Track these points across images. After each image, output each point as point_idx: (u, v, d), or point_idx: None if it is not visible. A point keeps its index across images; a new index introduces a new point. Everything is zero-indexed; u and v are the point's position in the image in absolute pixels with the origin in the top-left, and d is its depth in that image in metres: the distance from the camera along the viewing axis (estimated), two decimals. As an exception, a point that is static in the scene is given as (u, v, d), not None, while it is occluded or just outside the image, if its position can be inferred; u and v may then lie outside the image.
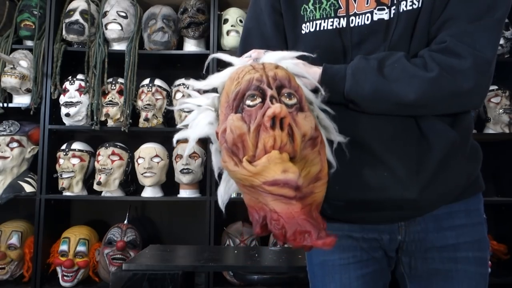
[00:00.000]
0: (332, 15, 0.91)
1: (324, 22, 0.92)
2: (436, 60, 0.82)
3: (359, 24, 0.89)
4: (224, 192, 0.78)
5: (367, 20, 0.89)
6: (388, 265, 0.99)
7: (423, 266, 0.93)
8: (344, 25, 0.90)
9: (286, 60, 0.78)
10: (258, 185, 0.65)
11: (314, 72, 0.85)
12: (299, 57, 0.82)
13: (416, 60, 0.84)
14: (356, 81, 0.83)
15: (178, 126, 0.83)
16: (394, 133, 0.86)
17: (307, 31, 0.94)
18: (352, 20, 0.90)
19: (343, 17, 0.90)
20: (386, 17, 0.88)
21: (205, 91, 0.79)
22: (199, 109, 0.78)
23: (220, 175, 0.78)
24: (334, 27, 0.91)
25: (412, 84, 0.81)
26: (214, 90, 0.79)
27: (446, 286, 0.91)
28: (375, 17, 0.89)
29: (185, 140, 0.77)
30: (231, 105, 0.69)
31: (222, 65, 0.80)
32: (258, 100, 0.67)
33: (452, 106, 0.86)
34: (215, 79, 0.78)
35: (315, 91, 0.80)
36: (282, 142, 0.64)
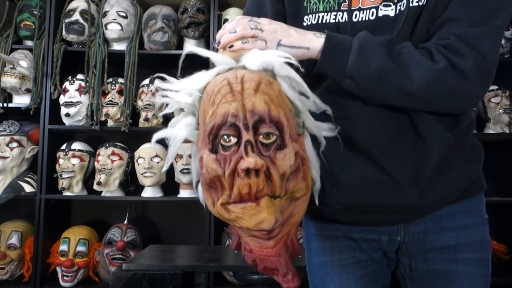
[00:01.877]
0: (336, 8, 0.89)
1: (327, 15, 0.90)
2: (443, 54, 0.79)
3: (363, 19, 0.87)
4: (205, 199, 0.77)
5: (372, 15, 0.87)
6: (387, 266, 0.98)
7: (423, 267, 0.93)
8: (347, 19, 0.88)
9: (269, 60, 0.73)
10: (233, 224, 0.67)
11: (310, 40, 0.80)
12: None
13: (421, 50, 0.81)
14: (363, 56, 0.78)
15: (160, 114, 0.81)
16: (391, 136, 0.85)
17: (309, 23, 0.91)
18: (356, 14, 0.88)
19: (346, 11, 0.88)
20: (391, 13, 0.86)
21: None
22: (179, 105, 0.76)
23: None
24: (337, 20, 0.89)
25: (418, 71, 0.78)
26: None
27: (446, 287, 0.91)
28: (380, 13, 0.87)
29: (185, 140, 0.77)
30: (207, 137, 0.67)
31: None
32: (234, 140, 0.64)
33: (449, 105, 0.83)
34: (193, 84, 0.74)
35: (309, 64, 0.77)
36: (258, 188, 0.63)
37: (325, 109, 0.78)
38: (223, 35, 0.80)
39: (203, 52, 0.77)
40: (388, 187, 0.85)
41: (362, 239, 0.96)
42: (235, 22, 0.80)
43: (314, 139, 0.78)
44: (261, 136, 0.65)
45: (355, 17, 0.88)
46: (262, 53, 0.73)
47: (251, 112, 0.65)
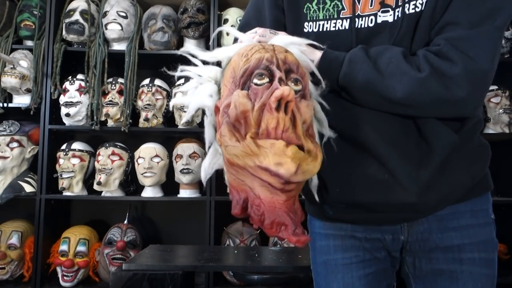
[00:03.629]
0: (335, 16, 0.91)
1: (327, 23, 0.91)
2: (429, 61, 0.80)
3: (363, 26, 0.89)
4: (209, 166, 0.77)
5: (371, 22, 0.88)
6: (391, 266, 0.98)
7: (427, 266, 0.93)
8: (347, 27, 0.89)
9: (295, 45, 0.78)
10: (251, 166, 0.64)
11: (315, 57, 0.86)
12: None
13: (413, 58, 0.82)
14: (351, 69, 0.83)
15: (171, 103, 0.81)
16: (394, 135, 0.85)
17: (310, 30, 0.93)
18: (356, 22, 0.89)
19: (346, 18, 0.90)
20: (390, 19, 0.87)
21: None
22: (200, 79, 0.77)
23: (200, 183, 0.78)
24: (337, 28, 0.90)
25: (402, 81, 0.80)
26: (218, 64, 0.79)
27: (451, 287, 0.91)
28: (379, 20, 0.88)
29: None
30: (237, 82, 0.69)
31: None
32: (266, 80, 0.67)
33: (441, 111, 0.83)
34: (221, 52, 0.77)
35: (316, 83, 0.80)
36: (285, 126, 0.63)
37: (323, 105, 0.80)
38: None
39: (232, 31, 0.83)
40: (389, 186, 0.85)
41: (365, 238, 0.96)
42: (252, 31, 0.84)
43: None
44: (290, 81, 0.68)
45: (355, 24, 0.89)
46: (288, 38, 0.79)
47: (283, 61, 0.69)
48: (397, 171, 0.84)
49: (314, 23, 0.92)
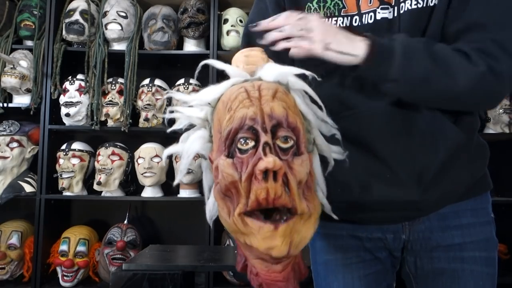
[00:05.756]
0: (336, 14, 0.90)
1: (329, 20, 0.90)
2: (481, 57, 0.79)
3: (363, 23, 0.89)
4: (213, 206, 0.74)
5: (370, 19, 0.88)
6: (392, 266, 0.98)
7: (429, 266, 0.93)
8: (348, 24, 0.89)
9: (285, 73, 0.72)
10: (242, 243, 0.63)
11: (359, 47, 0.79)
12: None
13: (458, 53, 0.81)
14: (408, 62, 0.78)
15: (168, 130, 0.77)
16: (398, 134, 0.85)
17: None
18: (356, 19, 0.89)
19: (347, 16, 0.90)
20: (389, 16, 0.87)
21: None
22: (191, 120, 0.73)
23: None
24: (338, 25, 0.90)
25: (463, 75, 0.79)
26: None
27: (452, 286, 0.91)
28: (378, 16, 0.88)
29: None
30: (223, 143, 0.65)
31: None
32: (251, 144, 0.62)
33: (480, 105, 0.87)
34: (207, 95, 0.72)
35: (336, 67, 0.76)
36: (276, 194, 0.59)
37: (334, 133, 0.76)
38: (271, 33, 0.80)
39: (219, 64, 0.76)
40: (391, 184, 0.85)
41: (367, 238, 0.95)
42: (284, 18, 0.80)
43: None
44: (279, 140, 0.63)
45: (355, 22, 0.89)
46: (277, 66, 0.73)
47: (269, 116, 0.63)
48: (399, 169, 0.84)
49: None
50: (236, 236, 0.64)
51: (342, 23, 0.90)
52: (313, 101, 0.73)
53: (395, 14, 0.87)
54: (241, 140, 0.62)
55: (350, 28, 0.87)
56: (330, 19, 0.90)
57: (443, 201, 0.90)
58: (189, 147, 0.71)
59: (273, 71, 0.72)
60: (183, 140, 0.74)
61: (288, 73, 0.71)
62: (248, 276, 0.68)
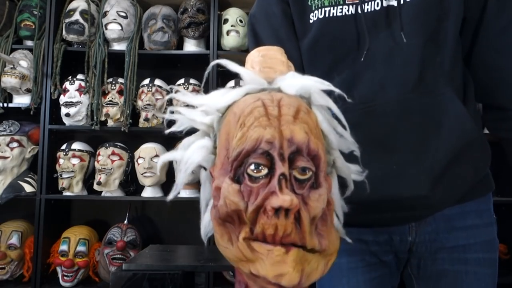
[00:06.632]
0: (341, 2, 0.89)
1: (334, 9, 0.89)
2: None
3: (369, 10, 0.88)
4: (209, 224, 0.65)
5: (377, 6, 0.87)
6: (397, 269, 0.97)
7: (432, 267, 0.92)
8: (354, 12, 0.88)
9: (308, 86, 0.62)
10: (246, 274, 0.54)
11: None
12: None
13: None
14: None
15: (166, 131, 0.64)
16: (412, 126, 0.84)
17: (315, 18, 0.91)
18: (362, 7, 0.88)
19: (352, 4, 0.89)
20: (395, 3, 0.86)
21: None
22: (194, 124, 0.64)
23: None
24: (343, 14, 0.89)
25: None
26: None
27: (455, 287, 0.90)
28: (385, 3, 0.87)
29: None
30: (230, 164, 0.56)
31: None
32: (264, 171, 0.53)
33: None
34: (216, 101, 0.62)
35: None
36: (286, 232, 0.52)
37: (352, 149, 0.68)
38: None
39: (232, 66, 0.64)
40: (401, 178, 0.83)
41: (373, 241, 0.94)
42: None
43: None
44: (296, 170, 0.54)
45: (361, 10, 0.88)
46: (300, 77, 0.64)
47: (289, 142, 0.54)
48: (410, 164, 0.83)
49: (320, 10, 0.90)
50: (239, 265, 0.56)
51: (348, 11, 0.88)
52: (335, 117, 0.65)
53: (401, 2, 0.86)
54: (253, 165, 0.54)
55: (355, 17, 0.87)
56: (336, 7, 0.89)
57: (450, 197, 0.88)
58: (189, 158, 0.63)
59: (295, 83, 0.62)
60: (183, 147, 0.65)
61: (313, 87, 0.62)
62: None
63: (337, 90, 0.62)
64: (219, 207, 0.56)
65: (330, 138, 0.62)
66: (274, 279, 0.51)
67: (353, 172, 0.67)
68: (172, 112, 0.64)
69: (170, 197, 0.66)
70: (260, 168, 0.53)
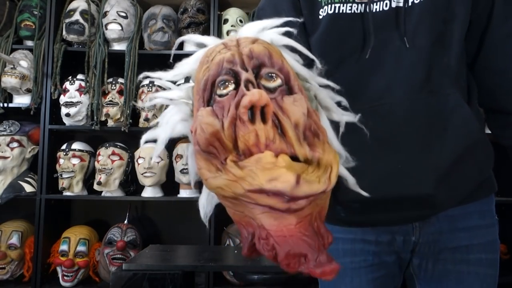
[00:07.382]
0: (351, 0, 0.90)
1: (343, 6, 0.90)
2: None
3: (377, 10, 0.88)
4: (207, 202, 0.63)
5: (386, 6, 0.88)
6: (399, 270, 0.97)
7: (434, 267, 0.92)
8: (362, 10, 0.88)
9: (267, 30, 0.61)
10: (241, 194, 0.50)
11: None
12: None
13: None
14: None
15: (151, 124, 0.63)
16: (419, 125, 0.84)
17: (325, 14, 0.91)
18: (371, 6, 0.88)
19: (361, 3, 0.89)
20: (401, 4, 0.87)
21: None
22: (172, 103, 0.63)
23: (200, 184, 0.62)
24: (353, 11, 0.89)
25: None
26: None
27: (457, 287, 0.90)
28: (393, 4, 0.87)
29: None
30: (201, 97, 0.55)
31: None
32: (231, 86, 0.52)
33: None
34: (185, 66, 0.64)
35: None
36: (268, 138, 0.49)
37: (339, 100, 0.65)
38: None
39: (196, 37, 0.65)
40: (405, 177, 0.83)
41: (376, 242, 0.94)
42: None
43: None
44: (263, 79, 0.53)
45: (369, 9, 0.88)
46: (255, 25, 0.62)
47: (249, 57, 0.54)
48: (415, 162, 0.83)
49: (330, 5, 0.90)
50: (232, 188, 0.51)
51: (357, 9, 0.89)
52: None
53: (409, 4, 0.86)
54: (220, 83, 0.53)
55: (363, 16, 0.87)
56: (345, 4, 0.89)
57: (454, 198, 0.88)
58: (165, 127, 0.62)
59: (251, 29, 0.62)
60: (162, 123, 0.64)
61: (269, 26, 0.61)
62: (258, 246, 0.54)
63: (334, 85, 0.62)
64: (197, 136, 0.53)
65: (298, 69, 0.60)
66: (268, 185, 0.47)
67: (344, 114, 0.64)
68: (152, 99, 0.64)
69: (154, 158, 0.64)
70: (227, 83, 0.53)
